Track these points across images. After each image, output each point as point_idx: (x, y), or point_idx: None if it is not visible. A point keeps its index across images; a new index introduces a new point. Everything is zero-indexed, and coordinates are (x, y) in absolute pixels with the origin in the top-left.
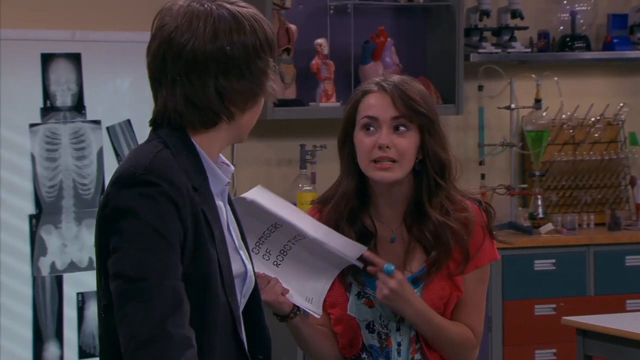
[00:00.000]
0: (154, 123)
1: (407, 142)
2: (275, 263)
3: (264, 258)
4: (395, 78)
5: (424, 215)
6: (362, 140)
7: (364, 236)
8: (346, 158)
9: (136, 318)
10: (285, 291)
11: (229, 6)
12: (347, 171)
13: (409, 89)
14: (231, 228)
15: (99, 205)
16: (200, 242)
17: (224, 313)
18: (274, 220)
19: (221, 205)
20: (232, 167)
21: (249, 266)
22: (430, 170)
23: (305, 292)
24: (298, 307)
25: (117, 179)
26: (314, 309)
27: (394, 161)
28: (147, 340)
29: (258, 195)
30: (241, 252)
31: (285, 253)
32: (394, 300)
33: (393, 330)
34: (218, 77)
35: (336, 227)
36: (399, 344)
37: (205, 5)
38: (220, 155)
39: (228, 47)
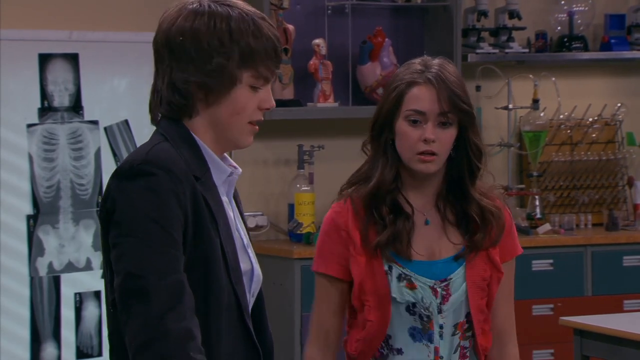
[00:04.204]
0: (152, 120)
1: (449, 137)
2: None
3: None
4: (436, 66)
5: (466, 198)
6: (408, 133)
7: (400, 216)
8: (383, 145)
9: (136, 320)
10: None
11: (209, 2)
12: (385, 159)
13: (453, 81)
14: (238, 225)
15: (101, 199)
16: (201, 227)
17: (229, 299)
18: None
19: (226, 200)
20: (240, 170)
21: (256, 265)
22: (472, 158)
23: None
24: None
25: (115, 171)
26: None
27: (435, 154)
28: (147, 341)
29: None
30: (249, 250)
31: None
32: None
33: (435, 313)
34: (172, 66)
35: (375, 211)
36: (441, 327)
37: (193, 2)
38: (229, 158)
39: (180, 39)
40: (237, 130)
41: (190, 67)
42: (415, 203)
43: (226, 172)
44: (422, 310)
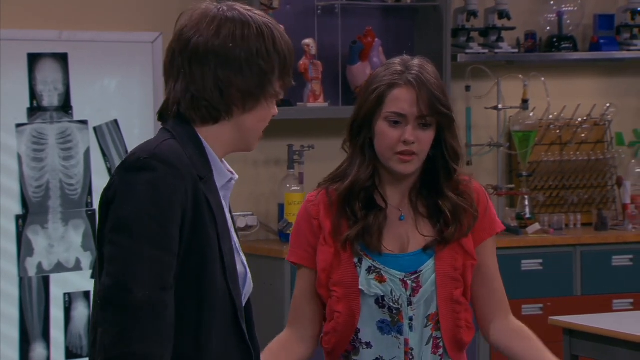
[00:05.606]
0: (160, 117)
1: (428, 137)
2: None
3: None
4: (416, 67)
5: (441, 195)
6: (387, 133)
7: (373, 210)
8: (360, 144)
9: (111, 332)
10: None
11: (241, 10)
12: (363, 158)
13: (433, 83)
14: (232, 230)
15: (105, 187)
16: (200, 225)
17: (224, 298)
18: None
19: (224, 204)
20: (237, 176)
21: (248, 269)
22: (448, 159)
23: None
24: None
25: (122, 163)
26: None
27: (414, 153)
28: (114, 358)
29: None
30: (241, 254)
31: None
32: None
33: (404, 305)
34: (217, 70)
35: (348, 206)
36: (410, 319)
37: (219, 9)
38: (226, 163)
39: (230, 45)
40: (255, 136)
41: (236, 71)
42: (392, 199)
43: (227, 177)
44: (391, 303)
